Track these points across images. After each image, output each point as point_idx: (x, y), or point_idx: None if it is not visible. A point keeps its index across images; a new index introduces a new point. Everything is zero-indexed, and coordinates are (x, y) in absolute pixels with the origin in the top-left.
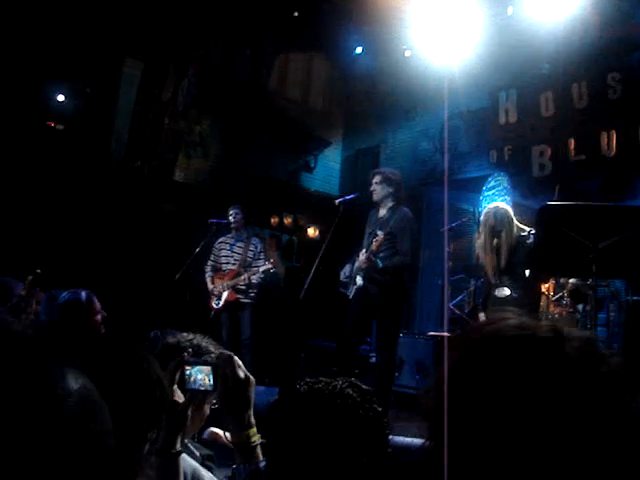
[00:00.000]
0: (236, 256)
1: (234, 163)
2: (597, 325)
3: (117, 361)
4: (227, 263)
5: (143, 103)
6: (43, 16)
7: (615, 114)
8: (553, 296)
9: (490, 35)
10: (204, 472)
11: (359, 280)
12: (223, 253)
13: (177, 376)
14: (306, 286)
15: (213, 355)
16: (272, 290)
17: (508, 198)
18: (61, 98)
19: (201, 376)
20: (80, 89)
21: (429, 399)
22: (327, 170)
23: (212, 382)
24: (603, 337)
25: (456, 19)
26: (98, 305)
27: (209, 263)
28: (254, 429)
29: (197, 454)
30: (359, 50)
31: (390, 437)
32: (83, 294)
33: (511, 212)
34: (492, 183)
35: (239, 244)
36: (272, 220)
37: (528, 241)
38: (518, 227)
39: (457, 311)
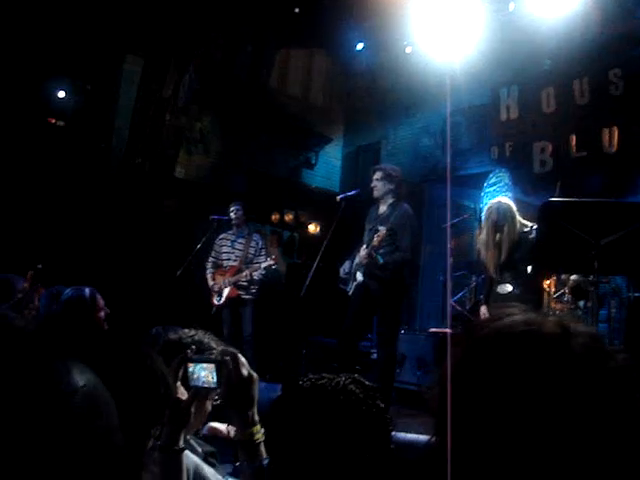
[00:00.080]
0: (237, 252)
1: (235, 160)
2: (598, 321)
3: (121, 357)
4: (228, 259)
5: (144, 100)
6: (44, 13)
7: (617, 110)
8: (554, 293)
9: (491, 31)
10: (206, 468)
11: (359, 276)
12: (224, 249)
13: (180, 373)
14: (307, 282)
15: (215, 351)
16: (273, 286)
17: (509, 194)
18: (62, 95)
19: (204, 373)
20: (81, 86)
21: (435, 395)
22: (328, 166)
23: (215, 379)
24: (604, 333)
25: (457, 15)
26: (102, 302)
27: (210, 259)
28: (258, 426)
29: (199, 450)
30: (360, 46)
31: (393, 433)
32: (87, 291)
33: (514, 207)
34: (493, 179)
35: (240, 240)
36: (273, 216)
37: (531, 236)
38: (521, 223)
39: (458, 307)
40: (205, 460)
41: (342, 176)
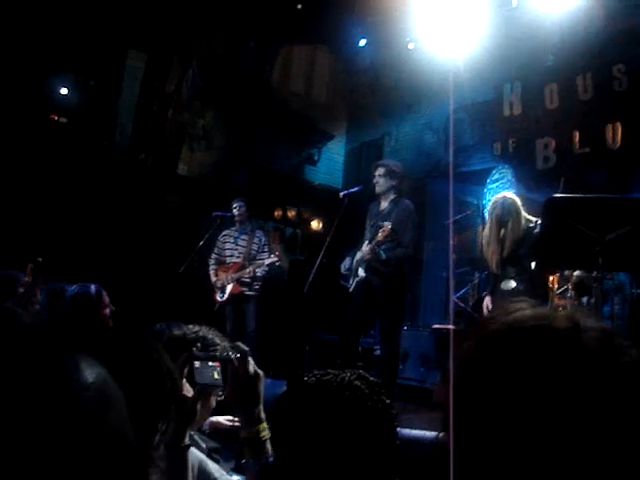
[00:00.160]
0: (240, 249)
1: (238, 156)
2: (602, 318)
3: (127, 352)
4: (231, 256)
5: (147, 96)
6: (47, 9)
7: (620, 106)
8: (557, 289)
9: (495, 27)
10: (210, 463)
11: (361, 272)
12: (227, 246)
13: (186, 370)
14: (310, 279)
15: (220, 347)
16: (276, 283)
17: (512, 191)
18: (65, 91)
19: (210, 371)
20: (84, 82)
21: (444, 391)
22: (331, 163)
23: (221, 377)
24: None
25: (460, 11)
26: (107, 299)
27: (213, 256)
28: (264, 424)
29: (203, 446)
30: (362, 43)
31: (398, 429)
32: (92, 288)
33: (519, 202)
34: (496, 176)
35: (243, 237)
36: (276, 213)
37: (535, 231)
38: (526, 218)
39: (461, 304)
40: (209, 456)
41: (345, 173)
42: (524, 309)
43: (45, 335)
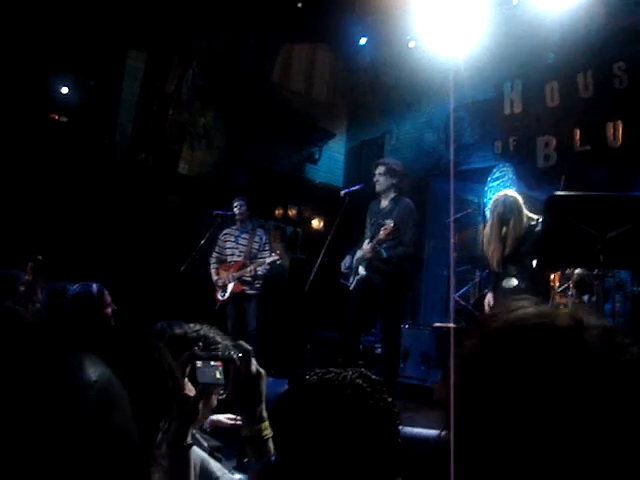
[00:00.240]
0: (241, 248)
1: (238, 155)
2: (603, 316)
3: (129, 351)
4: (232, 255)
5: (147, 95)
6: (47, 9)
7: (621, 104)
8: (558, 287)
9: (495, 25)
10: (212, 462)
11: (362, 270)
12: (228, 245)
13: (188, 370)
14: (311, 278)
15: (222, 345)
16: (277, 282)
17: (513, 189)
18: (65, 90)
19: (212, 370)
20: (84, 82)
21: (446, 389)
22: (331, 161)
23: (223, 376)
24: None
25: (460, 9)
26: (109, 298)
27: (214, 255)
28: (266, 423)
29: (205, 445)
30: (363, 41)
31: (400, 427)
32: (94, 287)
33: (520, 200)
34: (497, 174)
35: (244, 236)
36: (276, 212)
37: (537, 229)
38: (528, 216)
39: (462, 302)
40: (211, 454)
41: (345, 171)
42: (526, 307)
43: (48, 334)
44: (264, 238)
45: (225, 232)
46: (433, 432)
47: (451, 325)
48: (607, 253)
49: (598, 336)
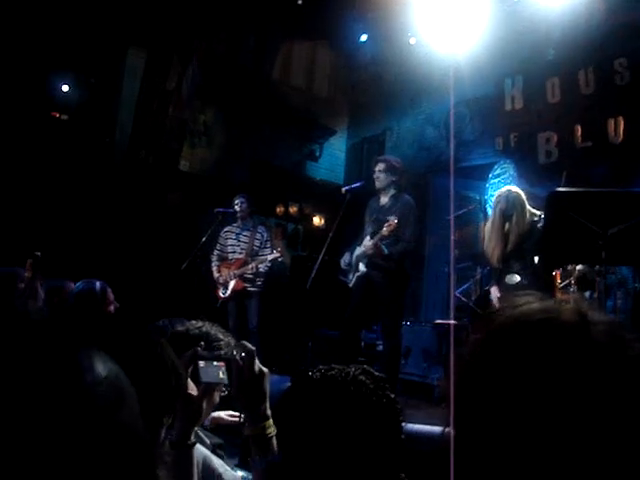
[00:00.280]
0: (243, 245)
1: (239, 152)
2: (605, 312)
3: (131, 347)
4: (233, 252)
5: (147, 93)
6: (47, 7)
7: (622, 100)
8: (560, 283)
9: (496, 21)
10: (215, 459)
11: (362, 267)
12: (229, 242)
13: (190, 369)
14: (313, 275)
15: (223, 343)
16: (278, 279)
17: (514, 185)
18: (65, 88)
19: (215, 370)
20: (84, 79)
21: (450, 386)
22: (332, 159)
23: (226, 375)
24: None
25: (461, 5)
26: (112, 296)
27: (215, 252)
28: (270, 421)
29: (207, 442)
30: (363, 38)
31: (403, 424)
32: (97, 284)
33: (523, 196)
34: (498, 171)
35: (245, 233)
36: (277, 209)
37: (539, 225)
38: (530, 212)
39: (463, 299)
40: (213, 452)
41: (346, 168)
42: (530, 302)
43: (57, 331)
44: (265, 235)
45: (226, 229)
46: (437, 428)
47: (452, 322)
48: (609, 249)
49: (605, 331)
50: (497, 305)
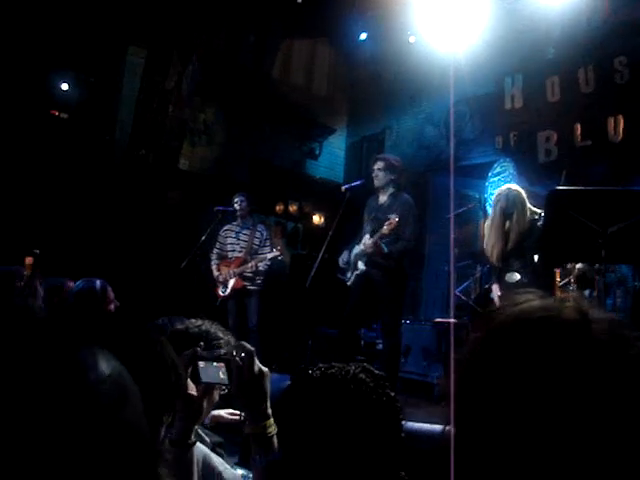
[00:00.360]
0: (242, 243)
1: (239, 151)
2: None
3: (131, 345)
4: (233, 251)
5: (147, 91)
6: (47, 5)
7: (622, 99)
8: (559, 282)
9: (496, 20)
10: (214, 457)
11: (361, 265)
12: (229, 241)
13: (189, 370)
14: (312, 273)
15: (223, 341)
16: (278, 278)
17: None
18: (65, 87)
19: (215, 370)
20: (84, 78)
21: (451, 384)
22: (332, 157)
23: (226, 376)
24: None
25: (461, 4)
26: (112, 295)
27: (215, 251)
28: (271, 420)
29: (207, 440)
30: (363, 36)
31: (402, 422)
32: (98, 283)
33: (524, 194)
34: (498, 169)
35: (245, 231)
36: (277, 207)
37: (539, 223)
38: (531, 210)
39: (463, 297)
40: (213, 450)
41: (346, 166)
42: (531, 300)
43: (61, 328)
44: (265, 234)
45: (226, 228)
46: (437, 427)
47: (452, 320)
48: (609, 248)
49: (606, 329)
50: (498, 303)
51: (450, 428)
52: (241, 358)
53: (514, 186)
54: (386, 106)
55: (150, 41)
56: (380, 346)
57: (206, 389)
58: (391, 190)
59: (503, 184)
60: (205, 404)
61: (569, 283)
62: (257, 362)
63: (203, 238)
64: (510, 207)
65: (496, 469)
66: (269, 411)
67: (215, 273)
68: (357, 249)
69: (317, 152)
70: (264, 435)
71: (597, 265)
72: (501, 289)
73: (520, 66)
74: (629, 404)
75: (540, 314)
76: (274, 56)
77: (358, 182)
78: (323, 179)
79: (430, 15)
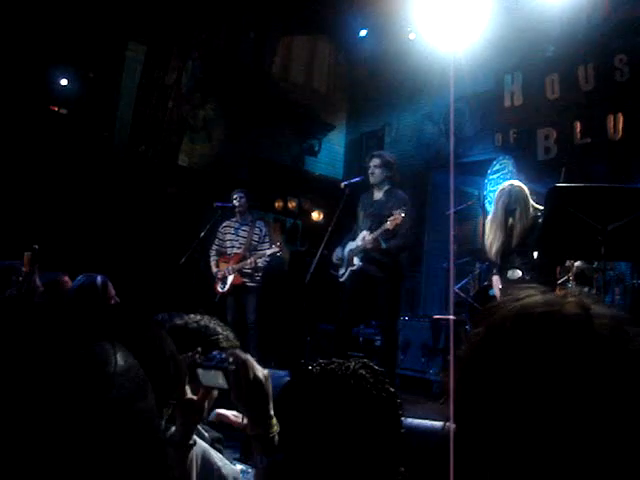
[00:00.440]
0: (241, 240)
1: (238, 147)
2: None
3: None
4: (232, 247)
5: (146, 87)
6: (47, 1)
7: (622, 96)
8: (558, 279)
9: (496, 17)
10: (213, 453)
11: (356, 261)
12: (228, 237)
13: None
14: (311, 270)
15: (221, 337)
16: (277, 274)
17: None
18: (65, 82)
19: (214, 375)
20: (83, 73)
21: (452, 380)
22: (331, 154)
23: (225, 382)
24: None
25: (461, 1)
26: (112, 290)
27: (214, 247)
28: (273, 420)
29: (206, 436)
30: (363, 33)
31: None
32: (99, 278)
33: (526, 191)
34: (497, 166)
35: (244, 228)
36: (276, 204)
37: (540, 220)
38: (534, 206)
39: (462, 294)
40: (212, 446)
41: (345, 163)
42: (533, 295)
43: (76, 323)
44: (264, 230)
45: (225, 224)
46: (437, 423)
47: (451, 317)
48: (608, 245)
49: (608, 325)
50: (499, 297)
51: (450, 424)
52: (235, 368)
53: (516, 182)
54: (386, 103)
55: (150, 37)
56: (378, 342)
57: (206, 393)
58: (386, 187)
59: (502, 181)
60: (206, 404)
61: (567, 281)
62: (255, 367)
63: (202, 234)
64: (513, 203)
65: (497, 465)
66: (271, 412)
67: (214, 269)
68: (352, 245)
69: (316, 149)
70: (266, 436)
71: (595, 263)
72: (502, 281)
73: (520, 64)
74: (630, 399)
75: (542, 309)
76: (274, 53)
77: (357, 179)
78: (322, 176)
79: (430, 12)
